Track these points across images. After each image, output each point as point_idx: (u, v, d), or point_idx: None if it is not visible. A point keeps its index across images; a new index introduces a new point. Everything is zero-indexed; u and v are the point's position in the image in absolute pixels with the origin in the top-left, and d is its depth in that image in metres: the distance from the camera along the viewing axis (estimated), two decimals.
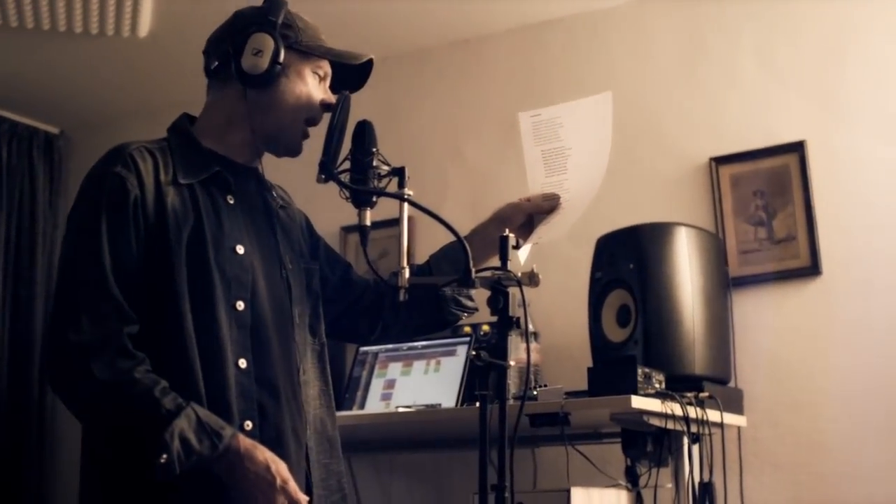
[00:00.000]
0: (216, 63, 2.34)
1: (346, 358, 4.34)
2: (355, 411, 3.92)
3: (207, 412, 2.05)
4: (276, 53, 2.26)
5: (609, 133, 2.52)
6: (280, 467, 2.09)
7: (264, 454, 2.08)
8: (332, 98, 2.37)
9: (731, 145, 4.11)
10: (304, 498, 2.12)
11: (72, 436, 5.33)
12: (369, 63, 2.44)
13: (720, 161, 4.11)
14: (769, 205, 4.01)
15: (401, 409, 3.62)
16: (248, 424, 2.15)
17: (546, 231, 2.56)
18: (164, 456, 1.96)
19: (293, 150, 2.38)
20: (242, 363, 2.17)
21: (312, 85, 2.35)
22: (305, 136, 2.37)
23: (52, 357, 2.09)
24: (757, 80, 4.14)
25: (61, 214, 5.74)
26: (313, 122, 2.36)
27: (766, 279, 3.96)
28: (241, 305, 2.21)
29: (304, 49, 2.33)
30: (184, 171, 2.23)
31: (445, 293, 2.55)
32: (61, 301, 2.12)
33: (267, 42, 2.26)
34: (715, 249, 3.71)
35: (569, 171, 2.55)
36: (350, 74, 2.43)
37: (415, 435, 4.03)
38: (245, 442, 2.07)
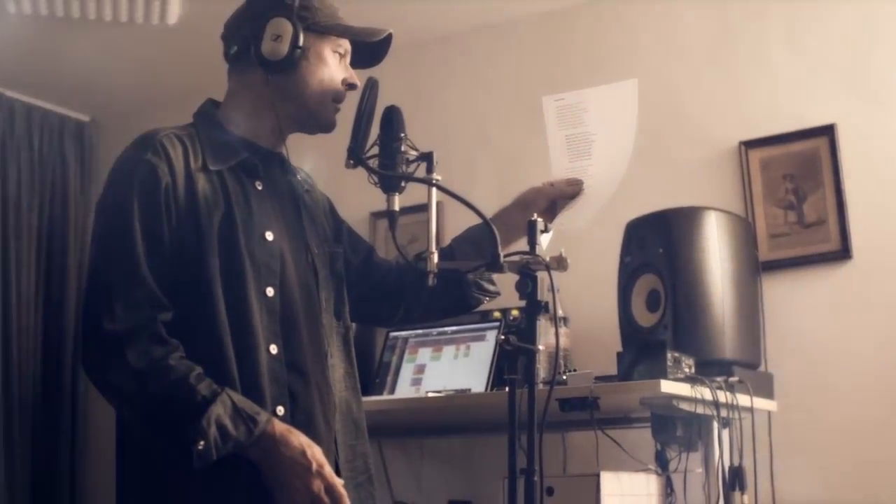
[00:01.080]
0: (235, 49, 2.34)
1: (376, 343, 4.35)
2: (386, 396, 3.94)
3: (242, 398, 2.06)
4: (295, 38, 2.26)
5: (634, 120, 2.50)
6: (315, 452, 2.10)
7: (299, 439, 2.09)
8: (353, 76, 2.37)
9: (761, 129, 4.09)
10: (339, 482, 2.13)
11: (105, 423, 5.36)
12: (389, 37, 2.42)
13: (750, 145, 4.09)
14: (799, 188, 3.99)
15: (431, 394, 3.63)
16: (280, 409, 2.16)
17: (569, 217, 2.54)
18: (202, 442, 1.97)
19: (326, 127, 2.38)
20: (273, 349, 2.18)
21: (333, 64, 2.34)
22: (336, 111, 2.37)
23: (87, 345, 2.11)
24: (786, 63, 4.11)
25: (92, 202, 5.75)
26: (339, 100, 2.36)
27: (797, 263, 3.95)
28: (270, 291, 2.21)
29: (323, 29, 2.32)
30: (213, 158, 2.24)
31: (468, 277, 2.54)
32: (94, 289, 2.13)
33: (285, 27, 2.26)
34: (745, 233, 3.70)
35: (593, 157, 2.53)
36: (370, 50, 2.42)
37: (445, 420, 4.03)
38: (280, 427, 2.08)
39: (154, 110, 5.46)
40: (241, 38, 2.32)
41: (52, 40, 4.91)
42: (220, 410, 2.00)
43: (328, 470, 2.10)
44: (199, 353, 2.09)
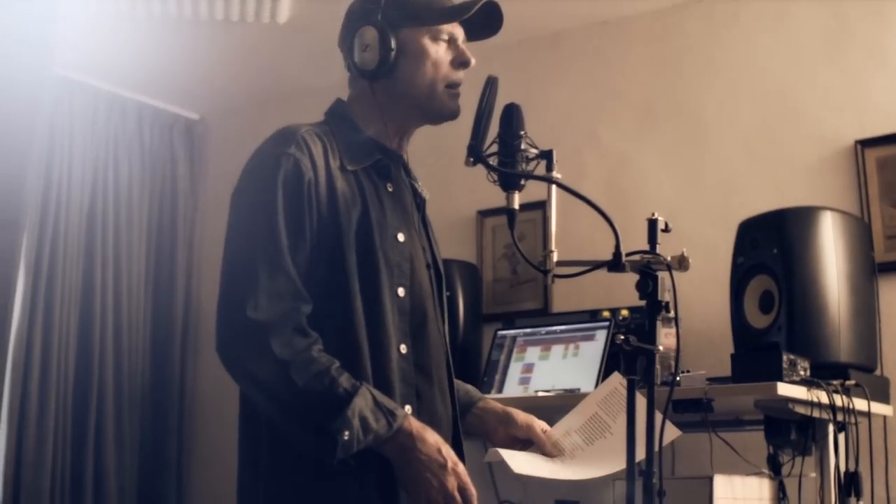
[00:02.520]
0: (345, 62, 2.36)
1: (484, 341, 4.35)
2: (494, 395, 3.93)
3: (380, 392, 2.07)
4: (382, 43, 2.25)
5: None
6: (450, 450, 2.10)
7: (434, 437, 2.09)
8: (463, 53, 2.32)
9: (878, 127, 4.01)
10: (471, 483, 2.12)
11: (213, 415, 5.46)
12: (489, 5, 2.33)
13: (866, 144, 4.02)
14: None
15: (540, 394, 3.62)
16: (408, 409, 2.17)
17: (513, 458, 2.41)
18: (347, 433, 1.97)
19: (449, 115, 2.35)
20: (403, 348, 2.20)
21: (436, 52, 2.30)
22: (454, 96, 2.33)
23: (227, 335, 2.10)
24: None
25: (201, 198, 5.88)
26: (453, 85, 2.32)
27: None
28: (402, 292, 2.23)
29: (413, 23, 2.29)
30: (349, 158, 2.25)
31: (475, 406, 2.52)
32: (235, 278, 2.13)
33: (371, 34, 2.25)
34: (861, 234, 3.63)
35: (588, 448, 2.45)
36: (480, 23, 2.35)
37: (553, 419, 4.01)
38: (416, 423, 2.09)
39: (263, 109, 5.55)
40: (346, 52, 2.34)
41: (164, 40, 4.99)
42: (362, 403, 2.01)
43: (462, 468, 2.10)
44: (334, 347, 2.10)
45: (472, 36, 2.38)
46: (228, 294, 2.12)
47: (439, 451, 2.08)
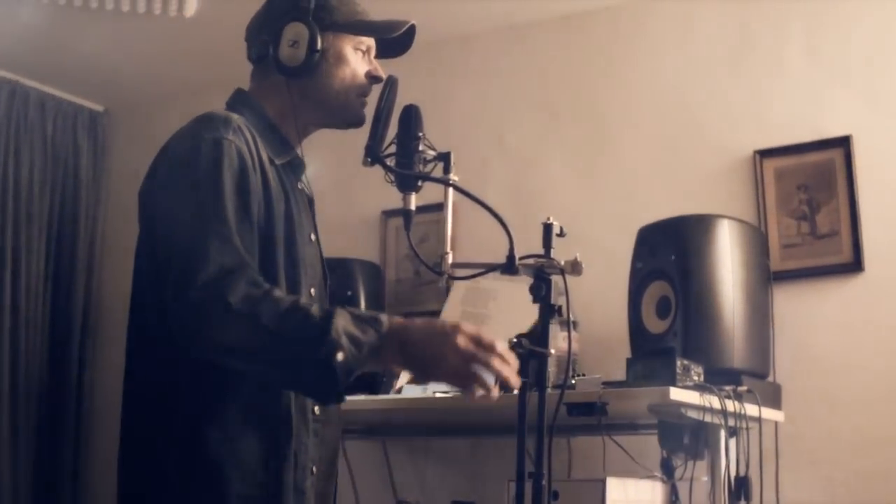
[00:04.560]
0: (255, 52, 2.33)
1: None
2: (392, 395, 3.93)
3: (351, 307, 1.98)
4: (312, 42, 2.24)
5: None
6: (441, 320, 2.04)
7: (421, 320, 2.03)
8: (377, 68, 2.35)
9: (777, 139, 4.09)
10: (481, 331, 2.01)
11: (112, 419, 5.38)
12: (412, 29, 2.39)
13: (765, 154, 4.09)
14: (813, 199, 3.99)
15: (437, 395, 3.62)
16: (317, 410, 2.18)
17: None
18: (340, 354, 1.86)
19: (355, 123, 2.35)
20: None
21: (355, 61, 2.32)
22: (363, 105, 2.34)
23: (186, 315, 1.94)
24: (804, 73, 4.11)
25: (103, 190, 5.79)
26: (364, 94, 2.34)
27: (808, 274, 3.95)
28: (313, 292, 2.22)
29: (342, 28, 2.31)
30: (272, 152, 2.22)
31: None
32: (184, 257, 1.97)
33: (302, 31, 2.24)
34: (757, 243, 3.69)
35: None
36: (395, 41, 2.40)
37: (450, 420, 4.03)
38: (398, 318, 2.00)
39: (169, 102, 5.50)
40: (261, 43, 2.30)
41: (69, 29, 4.91)
42: (342, 322, 1.90)
43: (465, 325, 1.98)
44: None
45: (381, 53, 2.40)
46: (179, 275, 1.96)
47: (432, 324, 2.01)
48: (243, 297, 1.90)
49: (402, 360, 1.99)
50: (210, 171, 2.05)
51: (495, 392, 1.96)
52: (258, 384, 2.07)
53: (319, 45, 2.25)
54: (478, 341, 1.95)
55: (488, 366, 1.94)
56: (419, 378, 2.05)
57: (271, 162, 2.20)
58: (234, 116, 2.18)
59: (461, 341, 1.93)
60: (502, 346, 1.98)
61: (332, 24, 2.30)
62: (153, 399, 2.10)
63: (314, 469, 2.18)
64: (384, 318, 1.96)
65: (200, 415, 2.05)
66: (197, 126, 2.15)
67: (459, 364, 1.94)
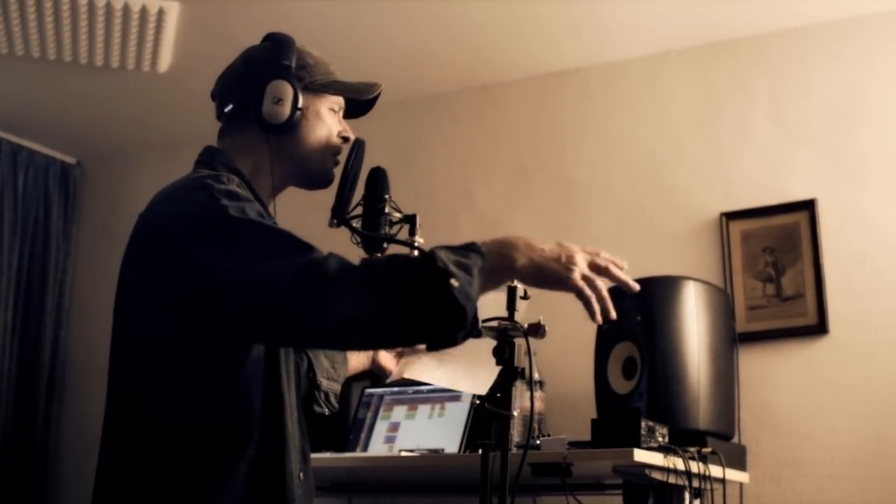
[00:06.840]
0: (231, 108, 2.31)
1: (351, 399, 4.34)
2: (359, 453, 3.92)
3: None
4: (295, 100, 2.25)
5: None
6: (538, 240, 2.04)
7: (516, 236, 2.03)
8: (347, 128, 2.37)
9: (743, 201, 4.14)
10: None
11: (78, 455, 5.34)
12: (379, 94, 2.43)
13: (731, 216, 4.14)
14: (778, 262, 4.03)
15: (404, 453, 3.62)
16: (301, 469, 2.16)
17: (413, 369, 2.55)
18: (454, 280, 1.84)
19: (326, 183, 2.35)
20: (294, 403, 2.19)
21: (330, 121, 2.34)
22: (335, 164, 2.34)
23: (292, 312, 1.90)
24: (769, 137, 4.17)
25: (73, 243, 5.78)
26: (337, 153, 2.34)
27: (773, 336, 3.98)
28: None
29: (321, 88, 2.33)
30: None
31: (321, 384, 2.49)
32: (269, 272, 1.92)
33: (285, 90, 2.24)
34: (723, 304, 3.72)
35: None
36: (362, 102, 2.43)
37: (417, 479, 4.02)
38: (492, 239, 2.01)
39: (141, 156, 5.51)
40: (238, 99, 2.30)
41: (43, 82, 4.93)
42: (443, 255, 1.88)
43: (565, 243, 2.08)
44: (259, 402, 2.05)
45: (347, 114, 2.42)
46: (265, 284, 1.92)
47: (526, 239, 2.02)
48: (341, 271, 1.88)
49: (519, 273, 2.01)
50: (240, 208, 2.01)
51: (598, 319, 2.12)
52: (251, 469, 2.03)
53: (300, 104, 2.26)
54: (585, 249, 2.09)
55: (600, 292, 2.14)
56: (539, 283, 2.05)
57: None
58: (223, 173, 2.17)
59: (552, 247, 2.04)
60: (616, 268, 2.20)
61: (311, 84, 2.32)
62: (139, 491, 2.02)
63: None
64: (477, 243, 1.96)
65: None
66: (195, 181, 2.12)
67: (569, 272, 2.07)
